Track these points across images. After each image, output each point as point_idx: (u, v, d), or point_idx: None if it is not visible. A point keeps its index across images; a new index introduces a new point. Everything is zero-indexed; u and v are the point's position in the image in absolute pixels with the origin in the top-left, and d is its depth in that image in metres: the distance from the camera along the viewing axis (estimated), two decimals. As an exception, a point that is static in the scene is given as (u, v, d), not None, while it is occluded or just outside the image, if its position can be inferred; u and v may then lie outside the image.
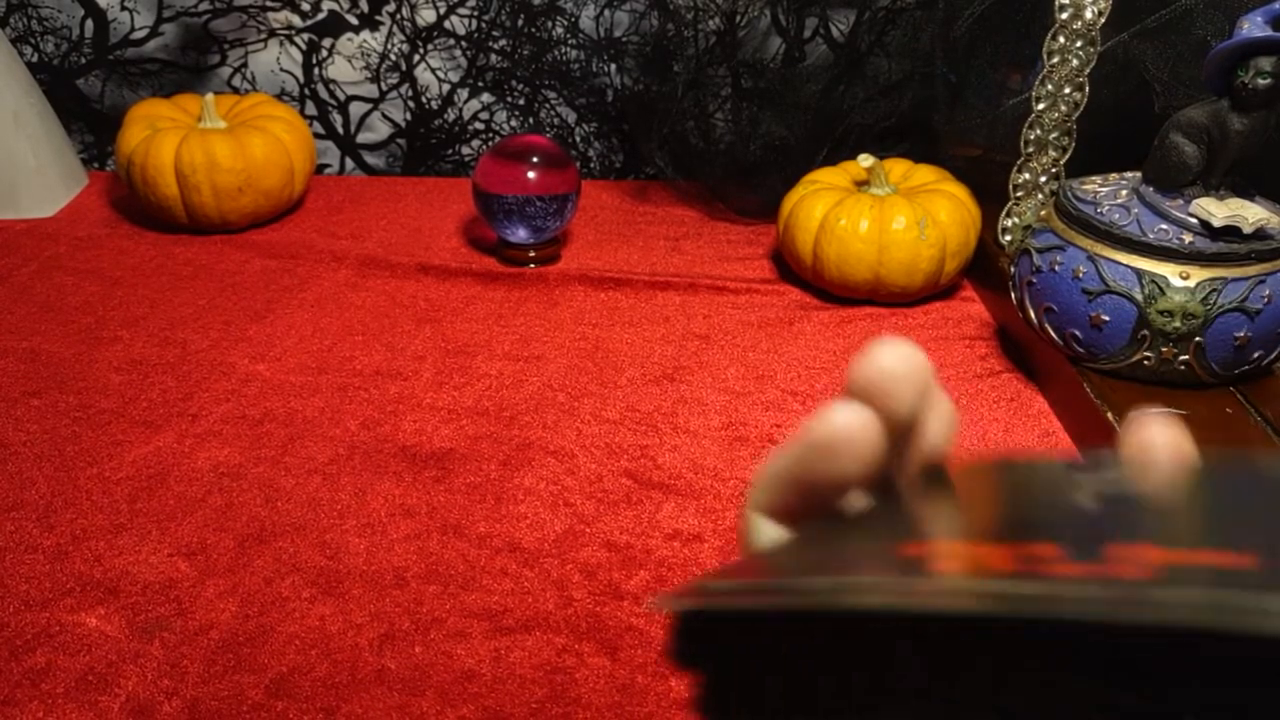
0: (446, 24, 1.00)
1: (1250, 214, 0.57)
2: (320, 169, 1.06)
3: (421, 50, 1.02)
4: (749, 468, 0.60)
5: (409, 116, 1.04)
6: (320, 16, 1.00)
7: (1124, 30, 0.71)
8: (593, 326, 0.76)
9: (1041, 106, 0.69)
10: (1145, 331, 0.58)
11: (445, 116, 1.05)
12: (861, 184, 0.80)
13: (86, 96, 1.03)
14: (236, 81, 1.03)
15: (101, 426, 0.63)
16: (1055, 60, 0.68)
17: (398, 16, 1.00)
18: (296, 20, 0.96)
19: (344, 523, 0.55)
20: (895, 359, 0.15)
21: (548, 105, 1.04)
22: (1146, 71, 0.70)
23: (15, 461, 0.59)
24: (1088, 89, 0.68)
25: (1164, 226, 0.59)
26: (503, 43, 1.01)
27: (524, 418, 0.64)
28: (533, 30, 1.00)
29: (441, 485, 0.58)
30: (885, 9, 0.88)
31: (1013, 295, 0.68)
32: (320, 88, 1.03)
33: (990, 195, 0.76)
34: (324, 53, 1.01)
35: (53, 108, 0.94)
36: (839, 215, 0.75)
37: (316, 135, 1.04)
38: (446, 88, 1.03)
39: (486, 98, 1.04)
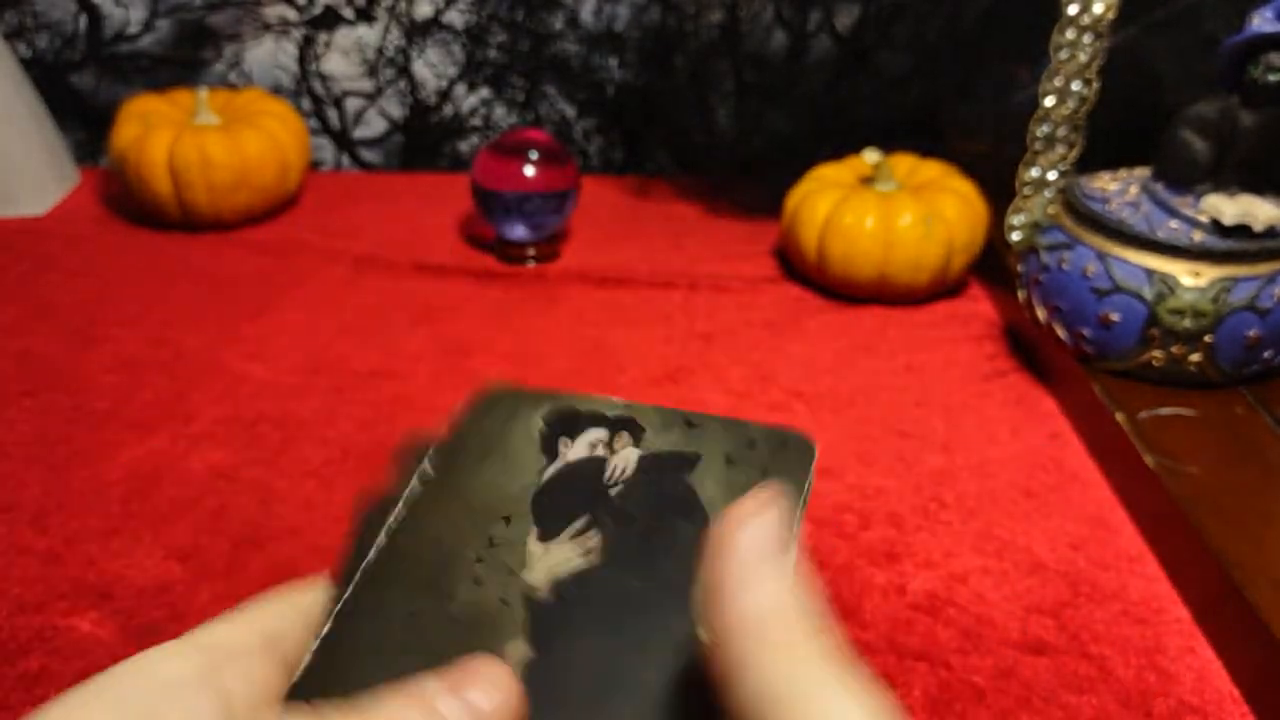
0: (444, 18, 0.99)
1: (1261, 212, 0.56)
2: (315, 165, 1.05)
3: (419, 44, 1.00)
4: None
5: (406, 112, 1.03)
6: (316, 11, 0.99)
7: (1133, 24, 0.70)
8: (593, 326, 0.74)
9: (1049, 102, 0.68)
10: (1155, 330, 0.58)
11: (443, 112, 1.04)
12: (867, 180, 0.79)
13: (80, 92, 1.02)
14: (233, 77, 1.02)
15: (94, 428, 0.62)
16: (1063, 55, 0.67)
17: (395, 10, 0.99)
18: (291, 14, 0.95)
19: (340, 526, 0.54)
20: None
21: (547, 100, 1.03)
22: (1156, 66, 0.69)
23: (8, 463, 0.58)
24: (1096, 84, 0.67)
25: (1174, 224, 0.58)
26: (501, 37, 1.00)
27: (524, 418, 0.63)
28: (531, 24, 0.99)
29: (440, 488, 0.57)
30: (891, 2, 0.87)
31: (1020, 294, 0.67)
32: (316, 83, 1.02)
33: (998, 191, 0.75)
34: (320, 47, 1.00)
35: (46, 104, 0.93)
36: (844, 212, 0.74)
37: (311, 131, 1.03)
38: (444, 83, 1.02)
39: (485, 93, 1.03)
